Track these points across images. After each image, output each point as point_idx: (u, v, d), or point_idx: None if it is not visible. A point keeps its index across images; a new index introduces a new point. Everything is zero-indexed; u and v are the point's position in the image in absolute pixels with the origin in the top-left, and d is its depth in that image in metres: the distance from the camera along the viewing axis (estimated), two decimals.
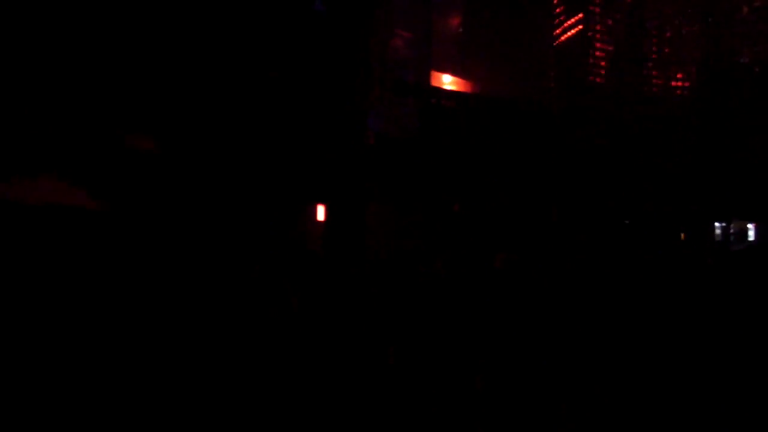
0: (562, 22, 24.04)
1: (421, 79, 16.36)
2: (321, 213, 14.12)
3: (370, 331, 5.46)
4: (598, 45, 23.33)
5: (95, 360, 4.58)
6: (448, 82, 17.26)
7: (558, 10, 23.53)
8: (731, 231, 20.92)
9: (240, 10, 11.55)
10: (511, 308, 7.03)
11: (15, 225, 6.99)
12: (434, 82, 16.97)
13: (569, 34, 23.82)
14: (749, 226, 20.80)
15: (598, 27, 24.06)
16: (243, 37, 11.71)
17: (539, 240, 15.31)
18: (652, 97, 22.29)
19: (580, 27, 23.75)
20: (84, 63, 10.51)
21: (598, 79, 21.10)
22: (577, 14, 24.04)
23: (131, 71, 11.10)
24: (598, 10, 24.36)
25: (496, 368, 5.28)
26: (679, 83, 21.75)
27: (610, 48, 23.34)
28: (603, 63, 22.94)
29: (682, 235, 17.74)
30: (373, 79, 13.61)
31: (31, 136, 9.60)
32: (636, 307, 7.79)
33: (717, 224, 20.52)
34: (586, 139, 18.98)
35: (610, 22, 24.13)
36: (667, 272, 10.72)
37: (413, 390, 4.33)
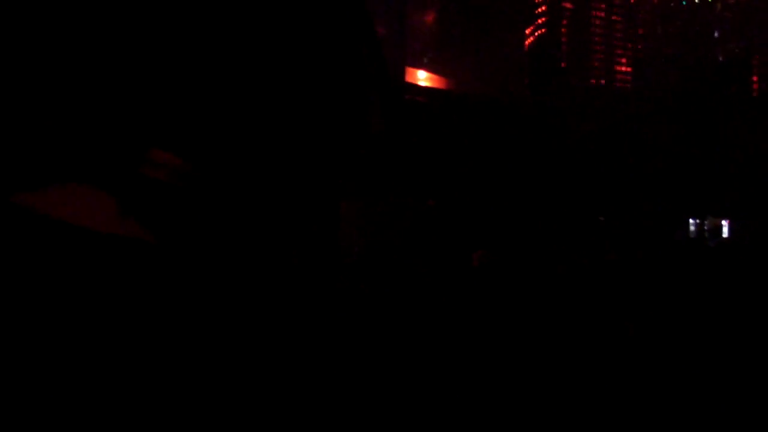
0: (535, 18, 24.02)
1: (396, 75, 16.22)
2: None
3: (341, 332, 5.25)
4: (569, 41, 23.34)
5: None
6: (422, 78, 17.12)
7: (532, 7, 23.49)
8: (705, 228, 20.97)
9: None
10: (489, 307, 6.86)
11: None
12: (409, 78, 16.84)
13: (542, 31, 23.80)
14: (723, 222, 20.84)
15: (569, 23, 24.08)
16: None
17: (516, 238, 15.23)
18: (625, 94, 22.33)
19: (554, 23, 23.74)
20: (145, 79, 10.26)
21: (570, 76, 21.05)
22: (550, 11, 24.04)
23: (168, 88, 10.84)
24: (570, 6, 24.38)
25: (475, 366, 5.12)
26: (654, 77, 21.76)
27: (583, 45, 23.35)
28: (574, 60, 22.91)
29: (658, 232, 17.68)
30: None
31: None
32: (615, 303, 7.66)
33: (691, 221, 20.57)
34: (560, 136, 18.93)
35: (583, 18, 24.15)
36: (645, 268, 10.63)
37: (393, 390, 4.13)
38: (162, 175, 2.75)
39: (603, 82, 22.49)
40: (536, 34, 25.07)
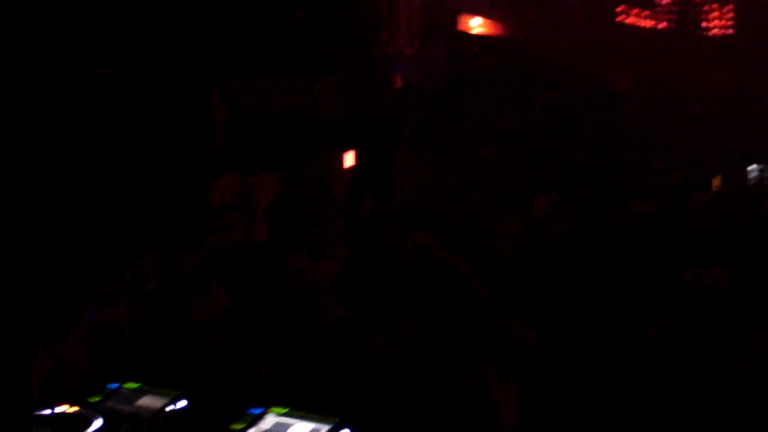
0: None
1: (449, 22, 16.06)
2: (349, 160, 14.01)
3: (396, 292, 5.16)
4: None
5: None
6: (476, 25, 16.92)
7: None
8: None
9: None
10: (559, 264, 6.56)
11: None
12: (462, 26, 16.65)
13: None
14: None
15: None
16: None
17: (571, 185, 15.09)
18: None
19: None
20: None
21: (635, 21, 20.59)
22: None
23: None
24: None
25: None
26: None
27: None
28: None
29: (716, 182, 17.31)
30: (398, 22, 13.36)
31: None
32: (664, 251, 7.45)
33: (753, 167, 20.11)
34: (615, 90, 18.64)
35: None
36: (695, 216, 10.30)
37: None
38: None
39: (665, 24, 21.90)
40: None
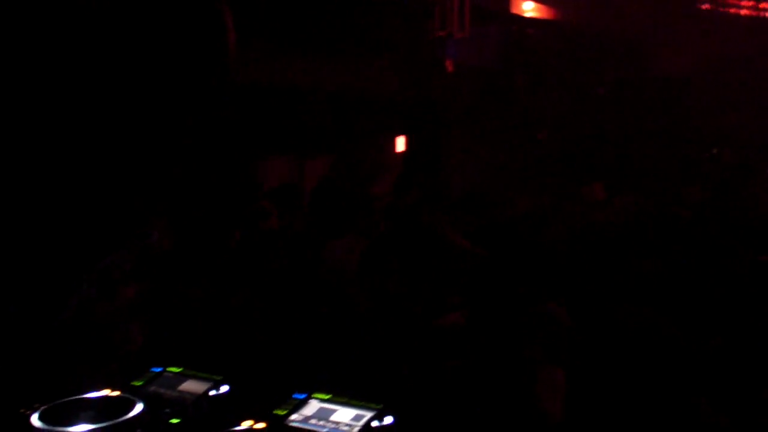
0: None
1: (503, 4, 15.89)
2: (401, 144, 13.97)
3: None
4: None
5: None
6: (529, 9, 16.72)
7: None
8: None
9: None
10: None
11: None
12: (515, 9, 16.46)
13: None
14: None
15: None
16: None
17: (626, 173, 14.88)
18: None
19: None
20: None
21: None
22: None
23: None
24: None
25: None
26: None
27: None
28: None
29: None
30: (451, 4, 13.24)
31: None
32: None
33: None
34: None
35: None
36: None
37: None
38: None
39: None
40: None
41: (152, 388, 3.47)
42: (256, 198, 8.26)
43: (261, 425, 3.09)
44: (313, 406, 3.28)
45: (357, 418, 3.16)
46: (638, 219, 8.70)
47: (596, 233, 7.48)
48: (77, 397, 3.13)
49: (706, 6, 19.73)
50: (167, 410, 3.27)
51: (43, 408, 2.97)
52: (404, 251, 4.74)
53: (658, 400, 3.49)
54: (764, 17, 20.77)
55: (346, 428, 3.12)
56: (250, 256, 5.68)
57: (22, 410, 2.97)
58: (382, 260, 4.77)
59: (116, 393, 3.25)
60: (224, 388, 3.44)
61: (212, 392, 3.41)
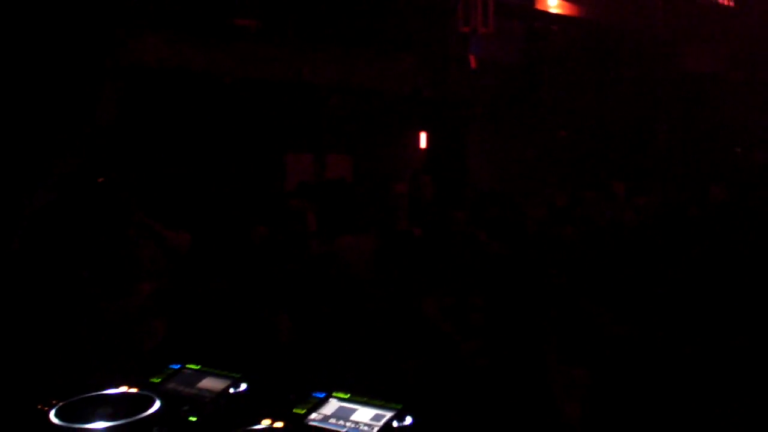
0: None
1: (526, 1, 15.80)
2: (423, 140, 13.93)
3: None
4: None
5: None
6: (553, 5, 16.61)
7: None
8: None
9: None
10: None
11: None
12: (539, 6, 16.36)
13: None
14: None
15: None
16: None
17: (654, 167, 14.80)
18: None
19: None
20: None
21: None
22: None
23: None
24: None
25: None
26: None
27: None
28: None
29: None
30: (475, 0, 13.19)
31: None
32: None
33: None
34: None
35: None
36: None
37: None
38: None
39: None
40: None
41: (170, 386, 3.45)
42: (281, 195, 8.25)
43: (279, 424, 3.06)
44: (332, 406, 3.25)
45: (377, 418, 3.13)
46: (659, 218, 8.65)
47: (617, 232, 7.44)
48: (95, 393, 3.11)
49: (733, 2, 19.56)
50: (185, 408, 3.24)
51: (60, 404, 2.95)
52: (426, 249, 4.71)
53: (681, 402, 3.45)
54: None
55: (365, 428, 3.08)
56: (276, 254, 5.66)
57: (39, 406, 2.96)
58: (401, 257, 4.74)
59: (134, 390, 3.23)
60: (243, 386, 3.41)
61: (231, 390, 3.39)
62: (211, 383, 3.44)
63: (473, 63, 13.66)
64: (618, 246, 6.35)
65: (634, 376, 3.50)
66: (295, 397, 3.27)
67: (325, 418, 3.17)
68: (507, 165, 14.42)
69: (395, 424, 3.07)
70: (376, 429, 3.06)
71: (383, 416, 3.12)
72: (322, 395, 3.30)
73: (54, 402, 2.96)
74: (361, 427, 3.09)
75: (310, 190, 8.42)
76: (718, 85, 17.64)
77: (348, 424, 3.12)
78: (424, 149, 13.82)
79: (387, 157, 12.78)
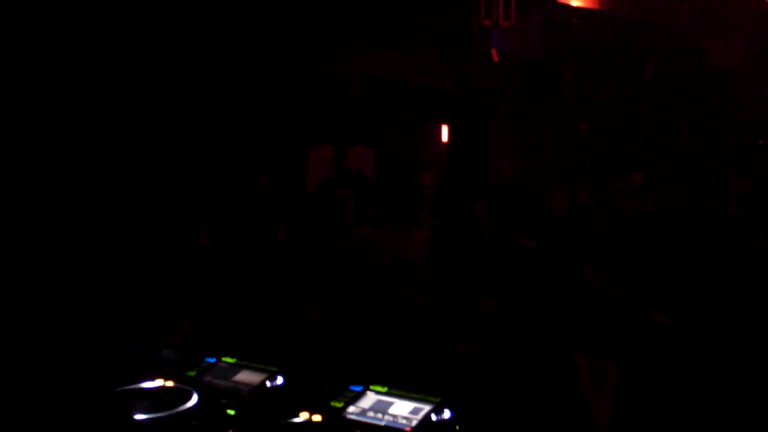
0: None
1: None
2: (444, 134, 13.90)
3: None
4: None
5: None
6: None
7: None
8: None
9: None
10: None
11: None
12: None
13: None
14: None
15: None
16: None
17: (674, 160, 14.71)
18: None
19: None
20: None
21: None
22: None
23: None
24: None
25: None
26: None
27: None
28: None
29: None
30: None
31: None
32: None
33: None
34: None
35: None
36: None
37: None
38: None
39: None
40: None
41: (207, 379, 3.45)
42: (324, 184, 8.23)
43: (318, 417, 3.06)
44: (369, 399, 3.23)
45: (415, 411, 3.11)
46: (679, 211, 8.58)
47: (647, 223, 7.38)
48: (133, 386, 3.11)
49: None
50: (223, 401, 3.24)
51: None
52: (462, 243, 4.69)
53: (707, 399, 3.41)
54: None
55: (404, 421, 3.07)
56: (315, 246, 5.64)
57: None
58: (446, 252, 4.71)
59: (171, 383, 3.23)
60: (279, 380, 3.40)
61: (268, 383, 3.38)
62: (247, 376, 3.44)
63: (495, 56, 13.61)
64: (650, 238, 6.28)
65: (676, 372, 3.45)
66: (331, 390, 3.26)
67: (363, 412, 3.16)
68: (527, 158, 14.37)
69: (434, 417, 3.05)
70: (414, 422, 3.05)
71: (421, 409, 3.10)
72: (359, 388, 3.28)
73: None
74: (400, 420, 3.07)
75: (350, 180, 8.38)
76: (741, 78, 17.51)
77: (386, 417, 3.10)
78: (446, 142, 13.79)
79: (408, 149, 12.76)
